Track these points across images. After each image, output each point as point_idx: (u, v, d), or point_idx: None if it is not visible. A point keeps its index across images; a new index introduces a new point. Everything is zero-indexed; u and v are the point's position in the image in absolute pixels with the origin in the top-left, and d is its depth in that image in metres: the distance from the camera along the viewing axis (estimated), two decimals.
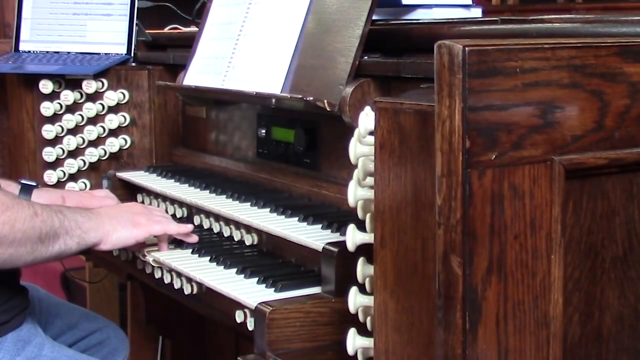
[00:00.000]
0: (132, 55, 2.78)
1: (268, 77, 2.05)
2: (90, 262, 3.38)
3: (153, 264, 1.99)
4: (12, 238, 1.68)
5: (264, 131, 2.24)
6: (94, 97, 2.69)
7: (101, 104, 2.68)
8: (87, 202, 2.15)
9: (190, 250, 1.99)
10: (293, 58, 2.01)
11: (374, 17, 1.86)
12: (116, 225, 1.90)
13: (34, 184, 2.13)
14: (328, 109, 1.82)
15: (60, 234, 1.78)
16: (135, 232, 1.93)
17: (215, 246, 2.01)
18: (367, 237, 1.46)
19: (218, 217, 2.09)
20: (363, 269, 1.48)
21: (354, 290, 1.48)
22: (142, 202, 2.43)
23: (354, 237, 1.48)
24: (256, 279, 1.76)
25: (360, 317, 1.50)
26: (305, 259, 1.83)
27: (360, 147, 1.45)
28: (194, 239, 2.02)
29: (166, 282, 1.97)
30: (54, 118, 2.68)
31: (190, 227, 2.02)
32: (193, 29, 2.82)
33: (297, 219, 1.90)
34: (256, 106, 2.29)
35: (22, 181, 2.13)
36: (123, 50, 2.79)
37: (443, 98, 1.17)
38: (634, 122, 1.30)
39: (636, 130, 1.31)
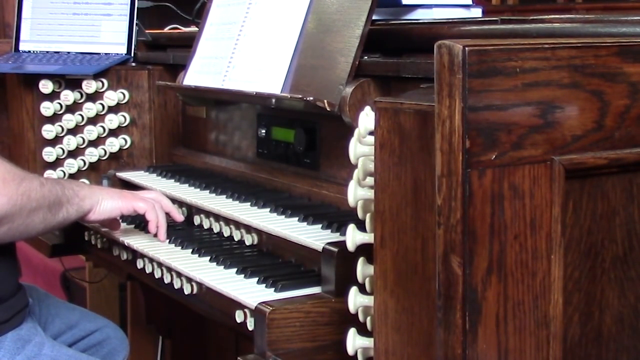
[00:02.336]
0: (132, 55, 2.78)
1: (268, 77, 2.05)
2: (90, 262, 3.38)
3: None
4: (29, 207, 1.76)
5: (264, 131, 2.24)
6: (94, 97, 2.69)
7: (101, 104, 2.68)
8: None
9: (190, 250, 1.99)
10: (293, 58, 2.01)
11: (374, 17, 1.86)
12: (105, 195, 2.01)
13: None
14: (328, 109, 1.82)
15: (63, 202, 1.88)
16: (121, 203, 2.02)
17: (215, 246, 2.01)
18: (367, 237, 1.46)
19: (218, 217, 2.09)
20: (363, 269, 1.48)
21: (354, 290, 1.48)
22: None
23: (354, 237, 1.48)
24: (256, 279, 1.76)
25: (360, 317, 1.50)
26: (305, 259, 1.83)
27: (360, 147, 1.45)
28: (162, 237, 2.07)
29: (166, 282, 1.97)
30: (54, 118, 2.68)
31: (164, 236, 2.08)
32: (193, 29, 2.82)
33: (297, 219, 1.90)
34: (256, 106, 2.29)
35: None
36: (123, 50, 2.79)
37: (443, 98, 1.17)
38: (634, 122, 1.30)
39: (636, 130, 1.31)
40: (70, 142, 2.68)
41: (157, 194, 2.15)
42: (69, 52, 2.83)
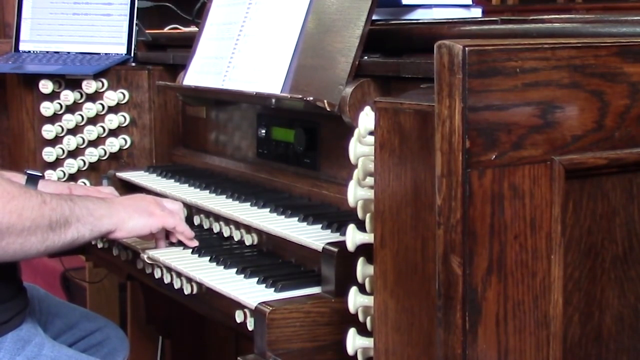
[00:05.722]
0: (132, 55, 2.78)
1: (268, 77, 2.05)
2: (90, 262, 3.38)
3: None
4: (20, 227, 1.66)
5: (264, 131, 2.24)
6: (94, 97, 2.69)
7: (101, 104, 2.68)
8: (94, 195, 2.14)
9: (190, 250, 1.99)
10: (293, 58, 2.01)
11: (374, 17, 1.86)
12: (132, 213, 1.89)
13: (39, 174, 2.11)
14: (328, 109, 1.82)
15: (71, 222, 1.76)
16: (151, 221, 1.92)
17: (215, 246, 2.01)
18: (367, 237, 1.46)
19: (218, 217, 2.09)
20: (363, 269, 1.48)
21: (354, 290, 1.48)
22: None
23: (354, 237, 1.48)
24: (256, 279, 1.76)
25: (360, 317, 1.50)
26: (305, 259, 1.83)
27: (360, 147, 1.45)
28: (194, 243, 2.01)
29: (166, 282, 1.97)
30: (54, 118, 2.68)
31: (192, 234, 2.01)
32: (193, 29, 2.82)
33: (297, 219, 1.90)
34: (256, 106, 2.29)
35: (28, 171, 2.10)
36: (123, 50, 2.79)
37: (443, 98, 1.17)
38: (634, 122, 1.30)
39: (636, 130, 1.31)
40: (70, 142, 2.68)
41: (180, 208, 2.04)
42: (69, 52, 2.83)
